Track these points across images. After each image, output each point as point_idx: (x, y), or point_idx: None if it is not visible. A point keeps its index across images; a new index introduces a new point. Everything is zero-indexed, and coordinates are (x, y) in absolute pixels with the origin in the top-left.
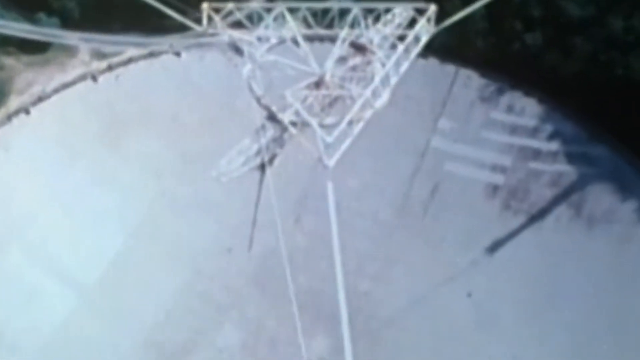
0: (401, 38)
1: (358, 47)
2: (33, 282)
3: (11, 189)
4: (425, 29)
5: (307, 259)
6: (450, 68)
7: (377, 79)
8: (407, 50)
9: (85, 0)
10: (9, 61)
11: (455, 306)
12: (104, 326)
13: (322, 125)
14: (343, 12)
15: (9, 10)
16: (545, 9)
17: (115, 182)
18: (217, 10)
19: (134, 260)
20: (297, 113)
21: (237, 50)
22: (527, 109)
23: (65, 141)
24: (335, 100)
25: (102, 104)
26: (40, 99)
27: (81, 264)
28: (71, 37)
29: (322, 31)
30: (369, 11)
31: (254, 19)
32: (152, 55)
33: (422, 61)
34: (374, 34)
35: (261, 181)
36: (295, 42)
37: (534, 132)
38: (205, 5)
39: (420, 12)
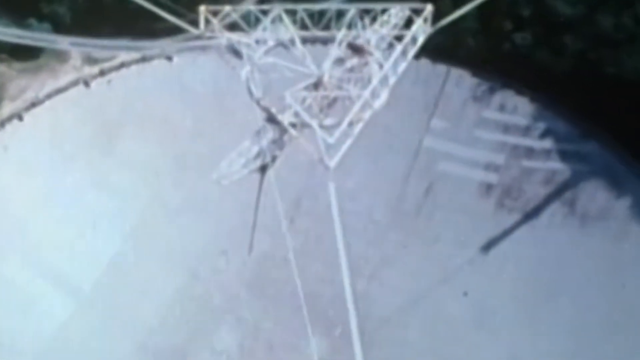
0: (398, 38)
1: (355, 48)
2: (29, 287)
3: (6, 194)
4: (421, 29)
5: (302, 261)
6: (441, 68)
7: (375, 80)
8: (404, 51)
9: (76, 5)
10: (0, 68)
11: (452, 305)
12: (101, 330)
13: (322, 126)
14: (340, 14)
15: (0, 16)
16: (535, 8)
17: (110, 186)
18: (214, 13)
19: (130, 264)
20: (296, 114)
21: (236, 52)
22: (519, 107)
23: (59, 146)
24: (333, 101)
25: (95, 109)
26: (33, 104)
27: (77, 268)
28: (63, 42)
29: (319, 33)
30: (365, 12)
31: (250, 21)
32: (144, 59)
33: (413, 61)
34: (371, 35)
35: (261, 183)
36: (292, 44)
37: (526, 131)
38: (202, 8)
39: (417, 12)
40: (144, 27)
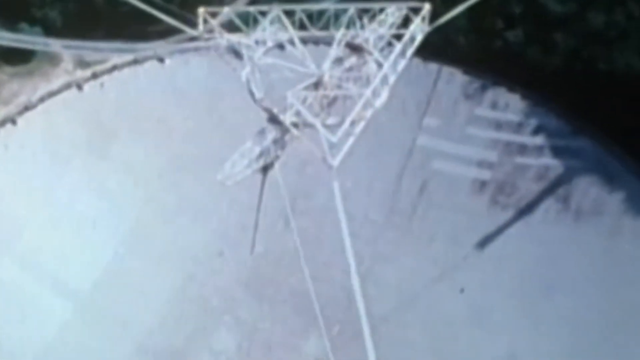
0: (396, 37)
1: (354, 48)
2: (27, 289)
3: (2, 199)
4: (419, 28)
5: (298, 260)
6: (433, 66)
7: (377, 79)
8: (402, 50)
9: (67, 9)
10: None
11: (448, 302)
12: (100, 332)
13: (324, 126)
14: (338, 13)
15: None
16: (526, 6)
17: (105, 189)
18: (213, 15)
19: (127, 267)
20: (297, 114)
21: (236, 53)
22: (511, 104)
23: (53, 150)
24: (333, 100)
25: (89, 112)
26: (26, 108)
27: (73, 272)
28: (55, 44)
29: (318, 33)
30: (364, 11)
31: (249, 22)
32: (136, 62)
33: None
34: (370, 34)
35: (263, 183)
36: (292, 44)
37: (518, 128)
38: (201, 10)
39: (415, 11)
40: (136, 30)
